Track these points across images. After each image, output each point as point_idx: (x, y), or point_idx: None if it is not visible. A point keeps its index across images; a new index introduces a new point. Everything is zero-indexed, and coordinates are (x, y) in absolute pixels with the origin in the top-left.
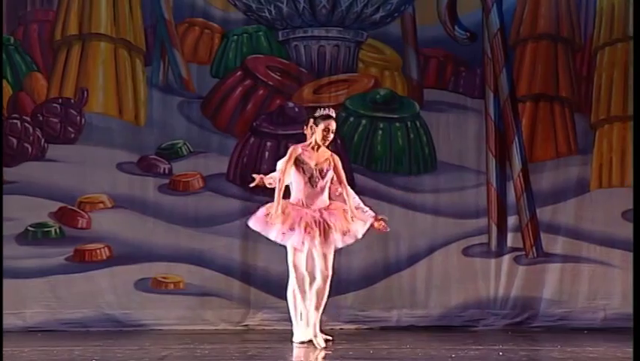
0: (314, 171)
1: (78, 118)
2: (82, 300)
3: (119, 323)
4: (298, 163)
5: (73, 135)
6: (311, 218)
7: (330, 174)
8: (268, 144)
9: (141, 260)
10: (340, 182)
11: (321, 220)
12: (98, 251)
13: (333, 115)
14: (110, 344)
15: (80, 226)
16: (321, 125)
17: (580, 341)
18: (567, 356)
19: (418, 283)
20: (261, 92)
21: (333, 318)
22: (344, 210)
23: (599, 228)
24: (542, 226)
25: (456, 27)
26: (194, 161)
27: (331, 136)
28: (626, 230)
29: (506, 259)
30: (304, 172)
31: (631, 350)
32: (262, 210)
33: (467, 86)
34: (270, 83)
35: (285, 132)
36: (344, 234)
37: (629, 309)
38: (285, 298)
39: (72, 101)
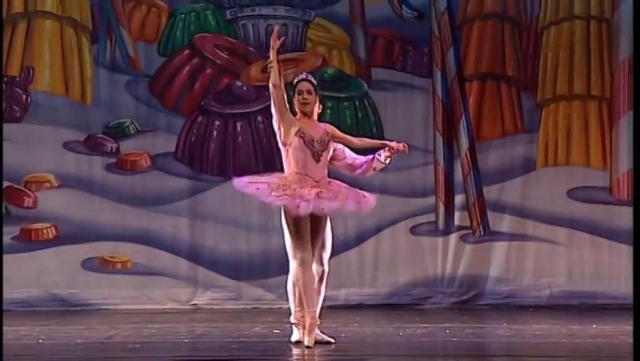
0: (315, 143)
1: (24, 97)
2: (28, 280)
3: (65, 303)
4: (299, 133)
5: (18, 114)
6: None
7: (331, 146)
8: (216, 122)
9: (88, 240)
10: (351, 141)
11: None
12: (44, 231)
13: (304, 76)
14: (57, 323)
15: (26, 205)
16: (296, 90)
17: (526, 318)
18: (513, 333)
19: (366, 262)
20: (208, 70)
21: (280, 297)
22: (344, 187)
23: (545, 206)
24: (489, 205)
25: (403, 6)
26: (141, 140)
27: (308, 98)
28: (571, 208)
29: (453, 237)
30: (305, 143)
31: (577, 327)
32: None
33: (415, 65)
34: (218, 61)
35: (233, 111)
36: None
37: (574, 286)
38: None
39: (17, 79)
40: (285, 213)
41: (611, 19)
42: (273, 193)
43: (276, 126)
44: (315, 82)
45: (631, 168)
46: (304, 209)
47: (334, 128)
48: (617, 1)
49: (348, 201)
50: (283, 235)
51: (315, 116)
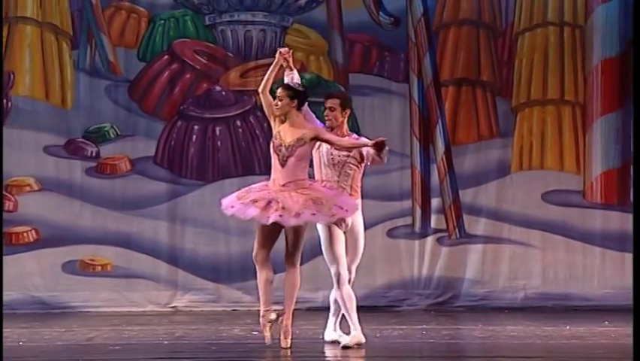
0: (282, 148)
1: (4, 101)
2: (9, 282)
3: (46, 306)
4: (273, 138)
5: None
6: (273, 195)
7: (301, 150)
8: (195, 127)
9: (68, 243)
10: (339, 139)
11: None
12: (25, 234)
13: (285, 80)
14: (38, 326)
15: (6, 208)
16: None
17: (501, 319)
18: (488, 334)
19: None
20: (188, 75)
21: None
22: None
23: (519, 209)
24: (465, 208)
25: (380, 12)
26: (121, 144)
27: (279, 102)
28: (545, 211)
29: (430, 240)
30: (274, 148)
31: (551, 328)
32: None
33: (392, 70)
34: (197, 67)
35: (212, 116)
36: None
37: (548, 288)
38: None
39: None
40: None
41: (584, 26)
42: (239, 206)
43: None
44: (291, 85)
45: (604, 171)
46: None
47: (321, 131)
48: (590, 7)
49: (304, 215)
50: None
51: (296, 119)
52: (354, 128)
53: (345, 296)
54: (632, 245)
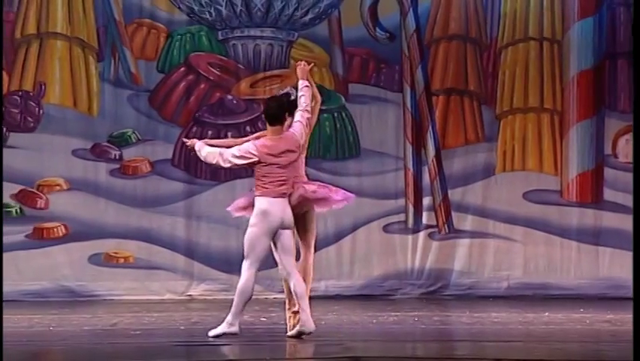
0: None
1: (37, 109)
2: (40, 273)
3: (74, 294)
4: None
5: (32, 125)
6: None
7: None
8: (209, 132)
9: (94, 237)
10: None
11: None
12: (55, 229)
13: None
14: (66, 312)
15: (38, 206)
16: None
17: (486, 307)
18: (475, 320)
19: (344, 257)
20: (202, 86)
21: (267, 288)
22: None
23: (503, 207)
24: (453, 206)
25: (377, 28)
26: (142, 148)
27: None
28: (526, 209)
29: (422, 235)
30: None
31: (531, 315)
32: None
33: (387, 81)
34: (211, 77)
35: (225, 122)
36: None
37: (529, 279)
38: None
39: (31, 93)
40: None
41: (562, 40)
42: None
43: (304, 141)
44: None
45: (579, 173)
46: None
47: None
48: (567, 24)
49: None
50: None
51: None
52: (354, 133)
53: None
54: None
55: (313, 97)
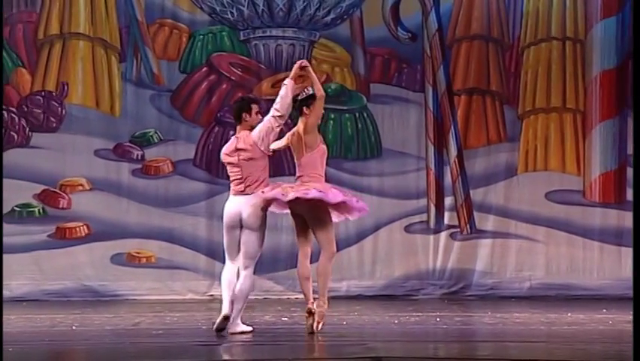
0: None
1: (59, 109)
2: (63, 273)
3: (96, 294)
4: None
5: (54, 125)
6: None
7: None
8: (231, 132)
9: (116, 237)
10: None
11: None
12: (77, 229)
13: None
14: (89, 312)
15: (61, 206)
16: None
17: (508, 307)
18: (497, 321)
19: (365, 257)
20: (224, 86)
21: (289, 288)
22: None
23: (525, 207)
24: (475, 206)
25: (399, 28)
26: (164, 148)
27: None
28: (548, 209)
29: (443, 235)
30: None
31: (554, 315)
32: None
33: (409, 81)
34: (233, 78)
35: None
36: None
37: (551, 279)
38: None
39: (54, 93)
40: None
41: (585, 40)
42: None
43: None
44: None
45: (602, 173)
46: None
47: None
48: (590, 23)
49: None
50: (293, 233)
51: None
52: (376, 133)
53: None
54: (633, 245)
55: (316, 91)
